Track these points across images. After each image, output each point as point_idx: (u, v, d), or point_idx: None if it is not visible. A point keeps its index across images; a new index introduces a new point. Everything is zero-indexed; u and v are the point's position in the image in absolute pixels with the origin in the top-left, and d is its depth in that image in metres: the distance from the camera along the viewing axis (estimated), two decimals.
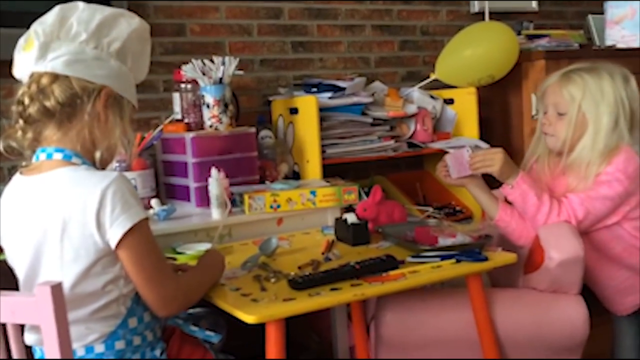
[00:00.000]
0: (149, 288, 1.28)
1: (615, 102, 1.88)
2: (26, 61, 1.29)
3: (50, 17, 1.28)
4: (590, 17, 3.16)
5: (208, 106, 2.13)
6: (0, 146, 1.31)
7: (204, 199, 2.02)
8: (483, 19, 2.99)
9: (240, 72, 2.24)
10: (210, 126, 2.14)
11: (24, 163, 1.34)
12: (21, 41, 1.30)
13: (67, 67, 1.27)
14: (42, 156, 1.29)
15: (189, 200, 2.10)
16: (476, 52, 2.53)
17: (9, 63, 1.35)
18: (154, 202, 1.98)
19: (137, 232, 1.24)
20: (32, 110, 1.27)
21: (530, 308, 1.81)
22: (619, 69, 1.94)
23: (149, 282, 1.27)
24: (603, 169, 1.87)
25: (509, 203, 1.95)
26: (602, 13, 3.03)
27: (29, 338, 1.31)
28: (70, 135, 1.29)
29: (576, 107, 1.89)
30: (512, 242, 1.93)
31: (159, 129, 2.18)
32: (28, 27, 1.30)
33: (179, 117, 2.23)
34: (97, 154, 1.33)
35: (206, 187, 1.98)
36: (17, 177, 1.34)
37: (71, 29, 1.28)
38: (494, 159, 1.88)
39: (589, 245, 1.83)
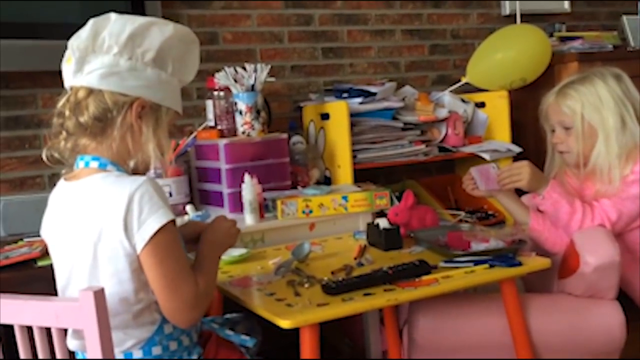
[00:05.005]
0: (166, 295, 1.26)
1: (615, 103, 1.90)
2: (68, 74, 1.33)
3: (85, 32, 1.31)
4: (624, 17, 3.10)
5: (240, 113, 2.16)
6: (43, 155, 1.36)
7: (237, 205, 2.05)
8: (514, 22, 2.96)
9: (272, 79, 2.27)
10: (243, 132, 2.17)
11: (63, 171, 1.38)
12: (66, 53, 1.33)
13: (102, 81, 1.29)
14: (81, 164, 1.34)
15: (222, 206, 2.13)
16: (508, 55, 2.51)
17: (47, 74, 1.38)
18: (188, 207, 2.01)
19: (163, 236, 1.24)
20: (70, 123, 1.31)
21: (566, 313, 1.80)
22: (609, 70, 1.96)
23: (167, 290, 1.25)
24: (630, 169, 1.88)
25: (540, 212, 1.94)
26: (636, 13, 2.98)
27: (72, 343, 1.34)
28: (104, 145, 1.33)
29: (580, 119, 1.92)
30: (546, 250, 1.91)
31: (192, 135, 2.22)
32: (66, 39, 1.32)
33: (212, 124, 2.26)
34: (131, 163, 1.36)
35: (239, 192, 2.01)
36: (61, 182, 1.39)
37: (104, 43, 1.30)
38: (521, 173, 1.90)
39: (622, 246, 1.82)
